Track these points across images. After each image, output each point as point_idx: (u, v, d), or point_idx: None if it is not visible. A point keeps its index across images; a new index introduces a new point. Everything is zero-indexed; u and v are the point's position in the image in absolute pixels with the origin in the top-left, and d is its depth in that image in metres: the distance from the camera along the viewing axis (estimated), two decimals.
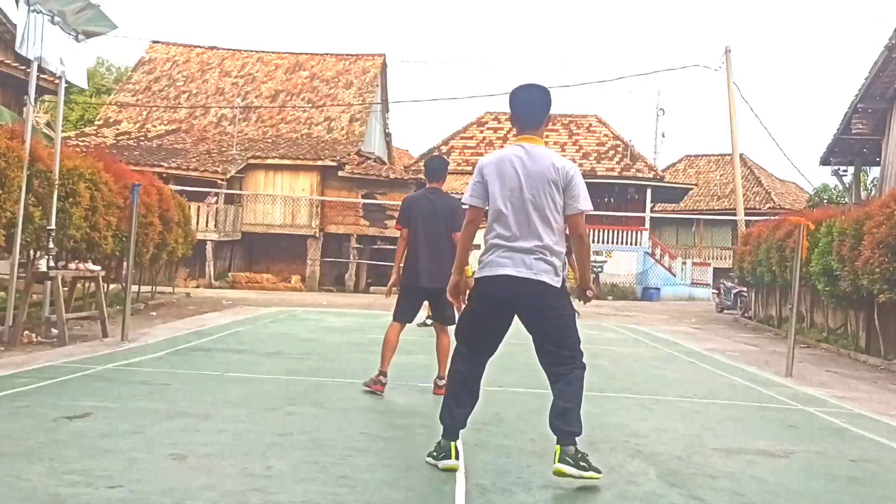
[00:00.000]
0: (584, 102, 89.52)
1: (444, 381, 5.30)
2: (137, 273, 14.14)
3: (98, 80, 39.14)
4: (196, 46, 34.47)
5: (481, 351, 4.13)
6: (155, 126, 30.22)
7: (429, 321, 11.29)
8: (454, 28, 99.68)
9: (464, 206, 4.09)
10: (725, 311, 21.41)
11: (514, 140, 4.03)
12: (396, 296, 6.34)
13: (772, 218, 21.17)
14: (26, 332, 8.50)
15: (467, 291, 4.25)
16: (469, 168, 36.37)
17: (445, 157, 6.86)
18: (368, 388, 5.90)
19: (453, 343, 4.31)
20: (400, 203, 6.74)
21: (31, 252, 9.24)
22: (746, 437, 5.09)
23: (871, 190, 25.30)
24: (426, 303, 6.38)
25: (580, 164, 35.58)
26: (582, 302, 4.30)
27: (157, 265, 15.81)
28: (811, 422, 5.82)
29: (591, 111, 46.09)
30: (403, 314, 6.10)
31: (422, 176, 6.22)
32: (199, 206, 23.46)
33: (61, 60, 8.61)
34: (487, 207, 3.95)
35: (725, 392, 7.10)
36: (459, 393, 3.99)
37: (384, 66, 33.40)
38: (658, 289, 28.72)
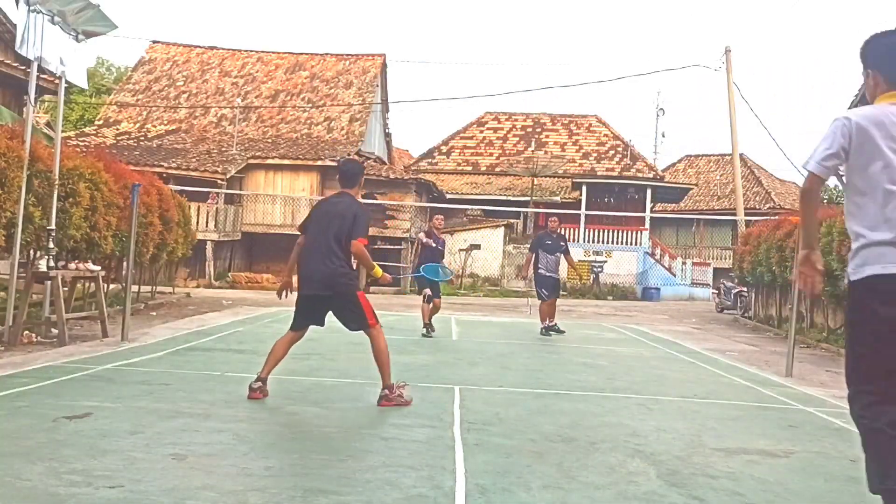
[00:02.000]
0: (584, 102, 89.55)
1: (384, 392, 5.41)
2: (137, 273, 14.14)
3: (98, 80, 39.15)
4: (196, 46, 34.49)
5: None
6: (155, 126, 30.23)
7: (431, 332, 11.17)
8: (454, 28, 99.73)
9: (810, 169, 3.03)
10: (725, 311, 21.40)
11: (885, 98, 3.10)
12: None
13: (772, 218, 21.17)
14: (26, 332, 8.50)
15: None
16: (469, 168, 36.42)
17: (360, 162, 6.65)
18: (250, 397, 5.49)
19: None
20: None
21: (31, 252, 9.25)
22: (746, 437, 5.09)
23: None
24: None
25: (580, 165, 35.65)
26: None
27: (157, 265, 15.82)
28: (811, 422, 5.82)
29: (591, 111, 46.15)
30: None
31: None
32: (199, 206, 23.46)
33: (61, 60, 8.61)
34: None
35: (725, 392, 7.10)
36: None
37: (384, 66, 33.41)
38: (658, 289, 28.72)
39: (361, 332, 5.56)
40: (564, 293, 27.25)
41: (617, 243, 29.87)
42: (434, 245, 11.25)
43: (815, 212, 3.17)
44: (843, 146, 2.98)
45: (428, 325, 10.81)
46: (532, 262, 11.83)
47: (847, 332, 3.14)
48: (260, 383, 5.51)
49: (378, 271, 5.70)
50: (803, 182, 3.16)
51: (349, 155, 26.97)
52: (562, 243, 11.90)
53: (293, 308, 5.85)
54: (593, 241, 29.91)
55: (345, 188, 5.87)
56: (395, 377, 6.75)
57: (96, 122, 31.43)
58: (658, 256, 30.61)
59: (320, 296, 5.52)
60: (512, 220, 30.08)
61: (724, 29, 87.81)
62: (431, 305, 10.97)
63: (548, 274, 11.61)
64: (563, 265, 12.63)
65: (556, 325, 11.53)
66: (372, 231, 25.81)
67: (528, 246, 12.81)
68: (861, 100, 16.11)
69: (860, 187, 3.02)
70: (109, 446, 3.98)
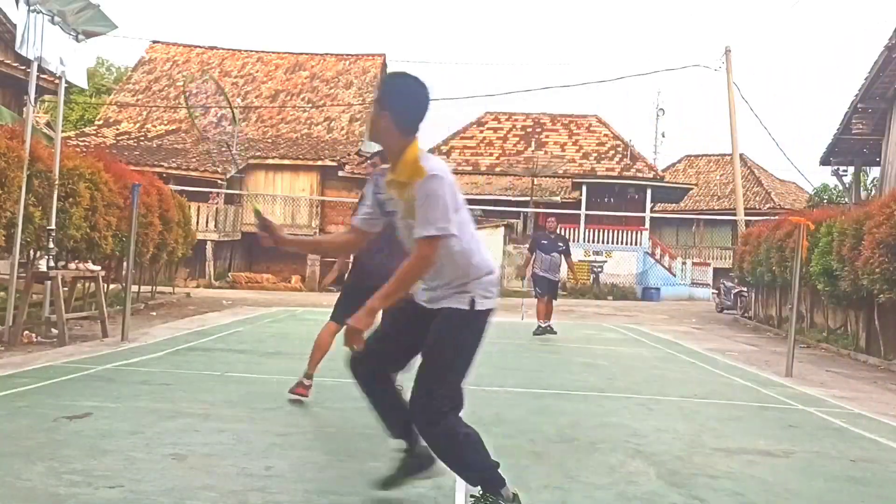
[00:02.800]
0: (584, 102, 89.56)
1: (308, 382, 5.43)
2: (137, 273, 14.14)
3: (98, 80, 39.15)
4: (196, 46, 34.49)
5: None
6: (155, 126, 30.23)
7: None
8: (454, 28, 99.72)
9: None
10: (725, 311, 21.40)
11: None
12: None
13: (772, 218, 21.17)
14: (26, 332, 8.50)
15: None
16: (469, 168, 36.41)
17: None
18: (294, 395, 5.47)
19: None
20: None
21: (31, 252, 9.25)
22: (746, 437, 5.09)
23: (871, 190, 25.32)
24: None
25: (580, 165, 35.64)
26: None
27: (157, 265, 15.81)
28: (811, 422, 5.81)
29: (591, 111, 46.12)
30: None
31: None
32: (199, 206, 23.46)
33: (61, 60, 8.61)
34: None
35: (725, 392, 7.10)
36: None
37: (384, 66, 33.41)
38: (658, 289, 28.72)
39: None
40: (564, 293, 27.34)
41: (617, 243, 29.86)
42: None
43: None
44: None
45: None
46: (531, 262, 11.84)
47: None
48: (308, 381, 5.58)
49: None
50: None
51: (349, 155, 26.99)
52: (560, 244, 11.85)
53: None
54: (593, 241, 29.90)
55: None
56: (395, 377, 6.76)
57: (96, 122, 31.43)
58: (658, 256, 30.61)
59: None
60: (512, 221, 30.06)
61: (724, 29, 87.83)
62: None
63: (542, 273, 11.60)
64: (566, 266, 12.58)
65: (549, 325, 11.51)
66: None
67: (528, 246, 12.79)
68: (862, 99, 16.10)
69: None
70: (109, 446, 3.98)
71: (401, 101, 3.17)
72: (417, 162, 3.11)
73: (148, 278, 15.90)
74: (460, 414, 3.26)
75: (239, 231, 25.93)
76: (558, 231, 12.62)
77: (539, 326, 11.41)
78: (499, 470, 3.26)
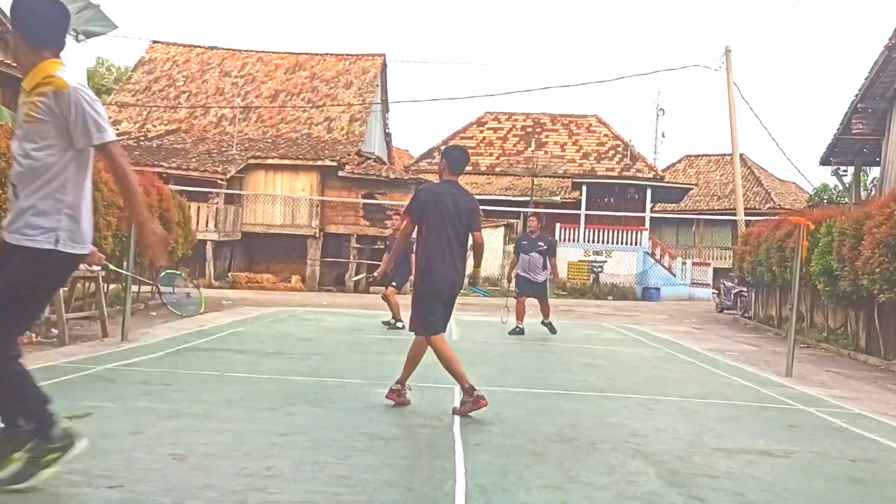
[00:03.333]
0: (584, 102, 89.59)
1: (398, 387, 5.49)
2: (137, 273, 14.13)
3: (98, 80, 39.16)
4: (196, 46, 34.49)
5: None
6: (155, 126, 30.23)
7: (399, 324, 11.40)
8: (454, 28, 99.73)
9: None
10: (725, 311, 21.41)
11: None
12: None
13: (772, 218, 21.17)
14: (26, 331, 8.49)
15: None
16: (469, 168, 36.41)
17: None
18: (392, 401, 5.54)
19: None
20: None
21: None
22: (746, 437, 5.09)
23: (871, 190, 25.32)
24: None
25: (580, 165, 35.64)
26: None
27: (158, 265, 15.80)
28: (811, 422, 5.82)
29: (591, 111, 46.14)
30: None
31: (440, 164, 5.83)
32: (199, 206, 23.45)
33: None
34: None
35: (725, 392, 7.10)
36: None
37: (384, 66, 33.41)
38: (658, 289, 28.72)
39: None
40: (564, 293, 27.33)
41: (617, 243, 29.86)
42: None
43: None
44: None
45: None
46: (515, 264, 11.76)
47: None
48: (399, 386, 5.58)
49: (479, 271, 5.95)
50: None
51: (349, 155, 26.99)
52: (540, 243, 11.64)
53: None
54: (593, 241, 29.91)
55: (451, 176, 5.67)
56: (395, 377, 6.75)
57: None
58: (658, 256, 30.61)
59: (450, 295, 5.55)
60: (512, 220, 30.06)
61: (724, 29, 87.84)
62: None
63: (523, 274, 11.54)
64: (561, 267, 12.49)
65: (549, 323, 11.46)
66: (372, 231, 26.04)
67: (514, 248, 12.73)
68: (861, 98, 16.11)
69: None
70: (109, 446, 3.98)
71: (28, 17, 3.26)
72: (49, 73, 3.24)
73: (148, 278, 15.89)
74: None
75: (239, 231, 25.94)
76: (540, 231, 12.48)
77: (517, 326, 11.28)
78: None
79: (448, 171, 5.66)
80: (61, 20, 3.35)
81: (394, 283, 11.46)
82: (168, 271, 10.05)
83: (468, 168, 30.96)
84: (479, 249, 5.64)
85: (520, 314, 11.40)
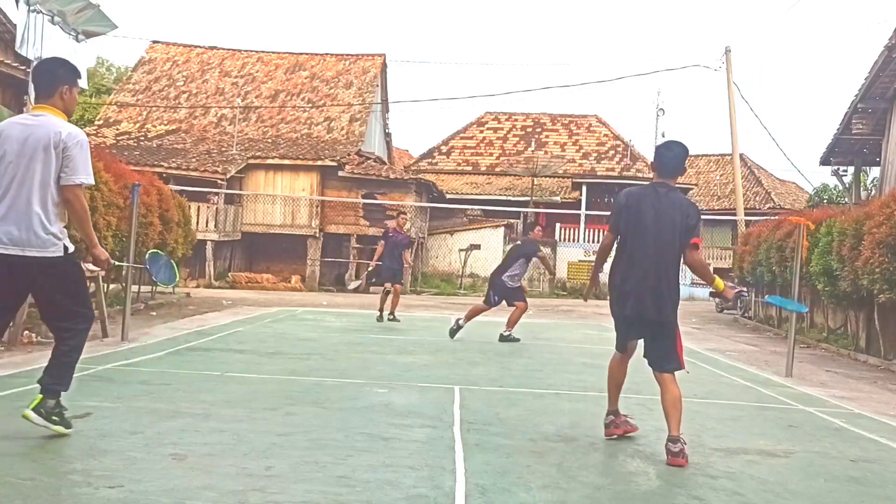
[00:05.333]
0: (584, 102, 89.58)
1: (678, 447, 4.25)
2: (137, 273, 14.13)
3: (98, 80, 39.16)
4: (196, 46, 34.48)
5: None
6: (155, 126, 30.22)
7: (390, 316, 11.87)
8: (454, 28, 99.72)
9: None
10: (725, 311, 21.40)
11: None
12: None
13: (772, 218, 21.16)
14: (26, 332, 8.50)
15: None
16: (469, 168, 36.44)
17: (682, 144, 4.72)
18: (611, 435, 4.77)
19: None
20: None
21: None
22: (746, 437, 5.09)
23: (871, 190, 25.31)
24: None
25: (580, 165, 35.65)
26: None
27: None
28: (811, 422, 5.82)
29: (591, 111, 46.14)
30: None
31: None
32: (199, 206, 23.45)
33: None
34: None
35: (725, 392, 7.10)
36: None
37: (384, 66, 33.40)
38: None
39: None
40: (564, 293, 27.33)
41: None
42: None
43: None
44: None
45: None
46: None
47: None
48: (612, 417, 4.81)
49: (720, 283, 4.78)
50: None
51: (349, 155, 26.97)
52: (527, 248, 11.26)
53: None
54: (593, 241, 29.89)
55: (665, 177, 4.70)
56: (395, 377, 6.77)
57: (96, 122, 31.41)
58: None
59: (645, 318, 4.58)
60: (512, 220, 30.06)
61: (724, 29, 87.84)
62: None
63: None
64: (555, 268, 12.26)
65: (510, 334, 10.59)
66: (372, 231, 26.02)
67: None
68: (861, 98, 16.10)
69: None
70: (109, 446, 3.99)
71: None
72: None
73: (148, 278, 15.89)
74: None
75: (239, 231, 25.94)
76: (529, 235, 12.15)
77: (457, 323, 10.75)
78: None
79: (657, 172, 4.75)
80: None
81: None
82: (152, 251, 10.40)
83: (468, 168, 31.03)
84: (695, 269, 4.68)
85: (512, 321, 10.78)
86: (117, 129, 29.70)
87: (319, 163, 26.22)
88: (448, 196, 31.12)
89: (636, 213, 4.61)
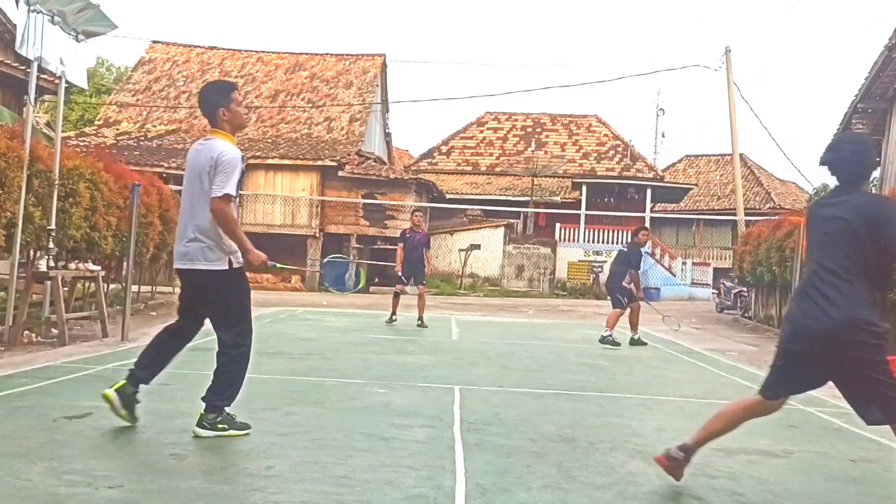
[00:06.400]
0: (584, 102, 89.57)
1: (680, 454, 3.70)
2: (137, 273, 14.14)
3: (98, 80, 39.15)
4: (196, 46, 34.49)
5: None
6: (155, 126, 30.23)
7: (395, 318, 12.04)
8: (454, 28, 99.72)
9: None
10: (725, 311, 21.40)
11: None
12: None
13: (772, 218, 21.16)
14: (26, 332, 8.50)
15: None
16: (469, 168, 36.43)
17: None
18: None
19: None
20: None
21: (31, 252, 9.24)
22: (746, 437, 5.07)
23: (871, 190, 25.25)
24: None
25: (580, 165, 35.66)
26: None
27: (157, 265, 15.81)
28: (811, 422, 5.82)
29: (591, 111, 46.15)
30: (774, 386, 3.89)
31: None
32: None
33: (61, 60, 8.60)
34: None
35: (726, 392, 7.10)
36: None
37: (384, 66, 33.41)
38: (658, 289, 28.70)
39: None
40: (564, 293, 27.34)
41: (617, 243, 29.82)
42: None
43: None
44: None
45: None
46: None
47: None
48: (682, 454, 3.73)
49: None
50: None
51: (349, 155, 26.96)
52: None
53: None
54: (593, 241, 29.92)
55: (848, 179, 3.82)
56: (395, 377, 6.76)
57: (96, 122, 31.43)
58: (658, 256, 30.61)
59: (815, 354, 3.55)
60: (512, 220, 30.07)
61: (724, 29, 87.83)
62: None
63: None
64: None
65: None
66: (372, 231, 26.04)
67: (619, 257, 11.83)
68: (861, 99, 16.10)
69: None
70: (109, 446, 3.99)
71: None
72: None
73: (148, 278, 15.90)
74: None
75: None
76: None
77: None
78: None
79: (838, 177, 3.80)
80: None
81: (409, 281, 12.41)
82: (332, 256, 10.65)
83: (468, 168, 30.97)
84: (880, 288, 3.57)
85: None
86: (117, 129, 29.70)
87: (319, 163, 26.22)
88: (448, 196, 31.12)
89: (814, 225, 3.82)
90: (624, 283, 11.16)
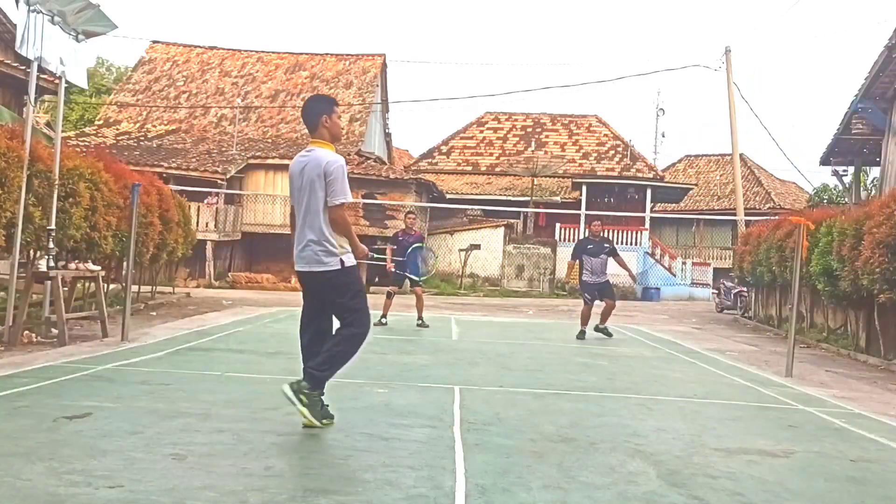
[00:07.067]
0: (584, 102, 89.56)
1: None
2: (137, 273, 14.14)
3: (98, 80, 39.16)
4: (196, 46, 34.50)
5: None
6: (155, 126, 30.23)
7: (384, 320, 11.89)
8: (454, 28, 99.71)
9: None
10: (725, 311, 21.41)
11: None
12: None
13: (772, 218, 21.16)
14: (26, 332, 8.50)
15: None
16: (469, 168, 36.43)
17: None
18: None
19: None
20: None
21: (31, 252, 9.25)
22: (746, 437, 5.09)
23: (871, 190, 25.31)
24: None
25: (580, 165, 35.66)
26: None
27: (157, 265, 15.81)
28: (811, 422, 5.81)
29: (591, 111, 46.15)
30: None
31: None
32: (199, 206, 23.45)
33: (61, 60, 8.60)
34: None
35: (725, 392, 7.10)
36: None
37: (384, 66, 33.42)
38: (658, 289, 28.72)
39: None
40: (563, 293, 27.32)
41: (617, 243, 29.61)
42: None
43: None
44: None
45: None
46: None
47: None
48: None
49: None
50: None
51: (349, 155, 26.96)
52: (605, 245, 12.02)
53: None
54: None
55: None
56: (395, 377, 6.76)
57: (96, 122, 31.43)
58: (658, 256, 30.61)
59: None
60: (512, 220, 30.07)
61: (724, 29, 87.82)
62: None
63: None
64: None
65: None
66: (372, 231, 26.02)
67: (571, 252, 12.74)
68: (861, 99, 16.11)
69: None
70: (109, 446, 3.98)
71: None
72: None
73: (148, 278, 15.90)
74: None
75: (239, 231, 25.93)
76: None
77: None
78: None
79: None
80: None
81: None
82: (415, 245, 11.43)
83: (468, 168, 30.92)
84: None
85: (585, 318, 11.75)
86: (117, 129, 29.71)
87: None
88: (448, 196, 31.12)
89: None
90: (585, 279, 11.82)
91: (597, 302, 11.74)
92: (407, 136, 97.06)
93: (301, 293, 4.96)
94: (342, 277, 4.70)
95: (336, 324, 4.83)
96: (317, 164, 4.63)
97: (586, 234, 11.91)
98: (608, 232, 30.01)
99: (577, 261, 11.80)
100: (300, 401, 4.51)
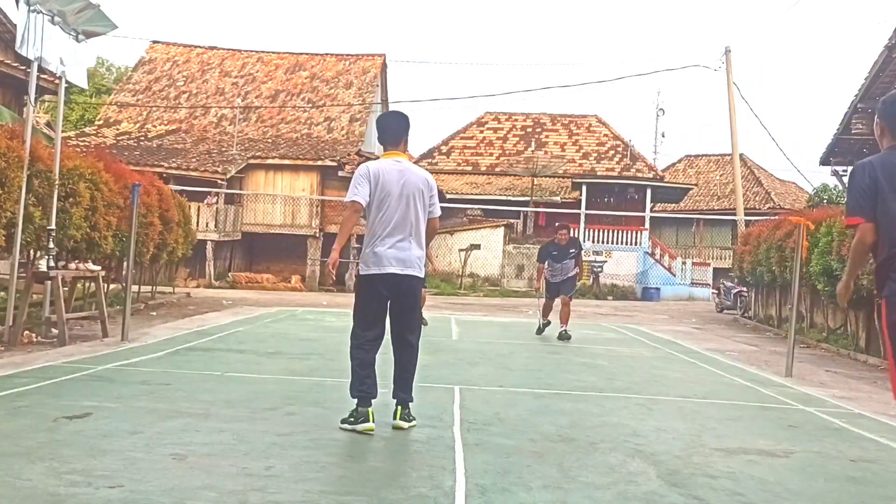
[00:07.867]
0: (584, 102, 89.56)
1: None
2: (137, 273, 14.14)
3: (98, 80, 39.15)
4: (196, 46, 34.49)
5: None
6: (155, 126, 30.23)
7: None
8: (454, 28, 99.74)
9: None
10: (725, 311, 21.40)
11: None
12: None
13: (772, 218, 21.16)
14: (26, 332, 8.50)
15: None
16: (469, 168, 36.41)
17: None
18: None
19: None
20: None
21: (31, 252, 9.25)
22: (746, 437, 5.09)
23: None
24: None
25: (580, 165, 35.66)
26: None
27: (157, 265, 15.82)
28: (811, 422, 5.81)
29: (591, 111, 46.15)
30: None
31: None
32: (199, 206, 23.45)
33: (61, 60, 8.60)
34: None
35: (725, 392, 7.10)
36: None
37: (384, 66, 33.42)
38: (658, 289, 28.71)
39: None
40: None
41: (617, 243, 29.86)
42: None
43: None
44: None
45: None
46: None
47: None
48: None
49: None
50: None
51: (349, 155, 26.96)
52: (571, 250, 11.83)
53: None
54: (593, 241, 29.90)
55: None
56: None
57: (96, 122, 31.43)
58: (658, 256, 30.60)
59: None
60: (512, 220, 30.06)
61: (724, 29, 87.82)
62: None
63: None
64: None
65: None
66: None
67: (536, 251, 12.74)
68: (861, 99, 16.11)
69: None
70: (109, 446, 3.99)
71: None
72: None
73: (148, 278, 15.91)
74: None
75: (239, 231, 25.93)
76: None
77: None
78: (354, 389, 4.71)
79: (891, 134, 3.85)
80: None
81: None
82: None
83: (468, 168, 30.94)
84: None
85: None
86: (117, 129, 29.71)
87: (319, 163, 26.23)
88: (448, 196, 31.03)
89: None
90: (548, 279, 11.69)
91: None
92: None
93: (363, 296, 4.92)
94: (420, 285, 5.01)
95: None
96: (419, 178, 4.95)
97: (553, 239, 11.77)
98: (608, 232, 30.09)
99: (543, 263, 11.67)
100: (410, 422, 4.77)
